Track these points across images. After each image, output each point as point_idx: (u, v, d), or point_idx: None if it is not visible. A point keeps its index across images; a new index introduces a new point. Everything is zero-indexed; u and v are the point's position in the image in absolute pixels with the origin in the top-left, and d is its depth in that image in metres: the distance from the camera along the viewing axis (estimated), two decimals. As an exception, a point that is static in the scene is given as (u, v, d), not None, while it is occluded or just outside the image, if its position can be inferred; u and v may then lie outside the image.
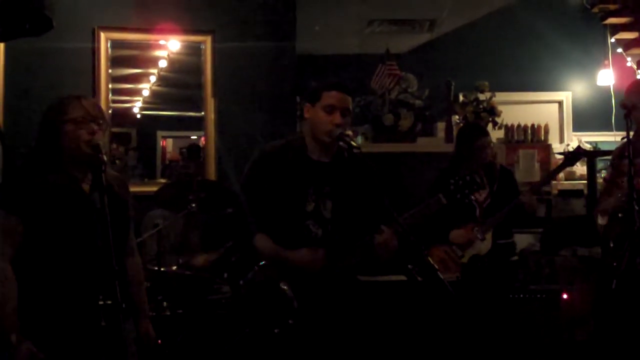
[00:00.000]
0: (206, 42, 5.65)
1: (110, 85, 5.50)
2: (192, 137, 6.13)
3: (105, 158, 2.72)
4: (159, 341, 4.03)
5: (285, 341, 3.05)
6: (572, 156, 4.62)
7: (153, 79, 5.86)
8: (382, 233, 3.09)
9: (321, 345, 3.12)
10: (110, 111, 5.45)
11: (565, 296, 4.69)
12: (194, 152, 6.09)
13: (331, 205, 3.22)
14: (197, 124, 5.74)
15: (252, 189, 3.26)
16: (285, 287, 3.08)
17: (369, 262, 3.27)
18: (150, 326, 3.06)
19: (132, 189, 3.14)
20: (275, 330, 3.05)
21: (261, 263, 3.23)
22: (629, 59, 7.73)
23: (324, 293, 3.14)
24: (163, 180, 5.78)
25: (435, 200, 3.14)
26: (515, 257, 4.72)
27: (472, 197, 4.54)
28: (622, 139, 4.22)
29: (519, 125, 7.69)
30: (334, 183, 3.23)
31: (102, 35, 5.44)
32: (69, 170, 2.80)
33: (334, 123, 3.14)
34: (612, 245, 4.07)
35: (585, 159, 6.18)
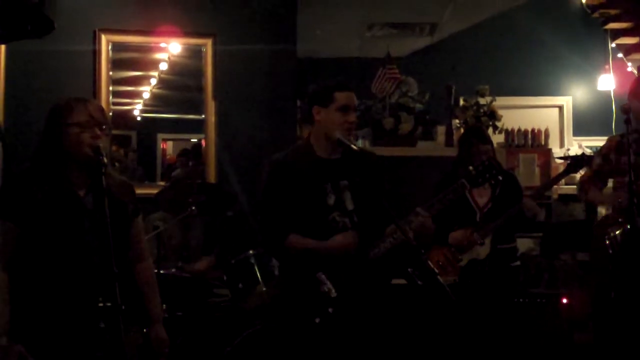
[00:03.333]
0: (207, 45, 5.65)
1: (110, 88, 5.51)
2: (192, 140, 6.14)
3: (105, 160, 2.72)
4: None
5: (322, 331, 3.14)
6: (575, 163, 4.58)
7: (154, 81, 5.86)
8: (418, 215, 3.19)
9: (341, 340, 3.17)
10: (110, 113, 5.45)
11: (564, 300, 4.70)
12: (189, 153, 6.10)
13: (351, 196, 3.31)
14: (198, 127, 5.74)
15: (273, 197, 3.31)
16: (322, 277, 3.17)
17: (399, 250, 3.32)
18: (162, 330, 3.03)
19: (132, 190, 3.13)
20: (317, 320, 3.12)
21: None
22: (629, 64, 7.73)
23: (356, 288, 3.22)
24: (163, 183, 5.78)
25: (460, 185, 3.29)
26: (517, 263, 4.69)
27: (473, 200, 4.55)
28: (622, 135, 4.19)
29: (519, 130, 7.69)
30: (348, 176, 3.31)
31: (103, 37, 5.45)
32: (68, 175, 2.79)
33: (350, 122, 3.27)
34: (610, 251, 4.03)
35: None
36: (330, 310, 3.13)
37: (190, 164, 5.96)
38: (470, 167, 3.31)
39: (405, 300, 4.52)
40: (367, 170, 3.32)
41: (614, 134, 7.55)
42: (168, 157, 6.46)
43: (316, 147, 3.35)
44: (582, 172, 4.57)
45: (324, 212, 3.27)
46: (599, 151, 4.38)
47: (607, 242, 4.01)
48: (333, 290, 3.14)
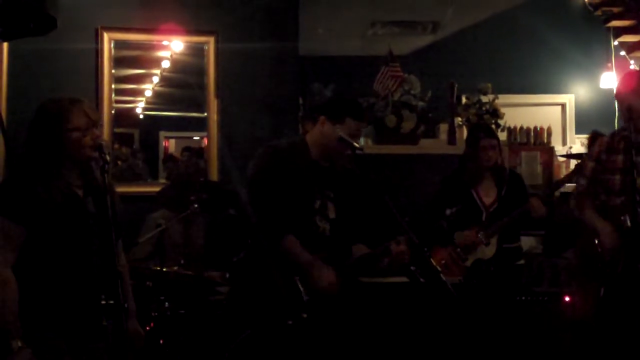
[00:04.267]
0: (209, 43, 5.64)
1: (113, 86, 5.50)
2: (195, 138, 6.14)
3: (108, 158, 2.72)
4: (161, 341, 4.07)
5: (293, 335, 3.11)
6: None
7: (156, 79, 5.86)
8: (400, 244, 3.22)
9: (325, 343, 3.16)
10: (113, 111, 5.45)
11: (567, 299, 4.69)
12: (199, 152, 6.09)
13: (334, 207, 3.35)
14: (200, 125, 5.74)
15: (270, 183, 3.31)
16: (298, 282, 3.18)
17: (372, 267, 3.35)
18: (137, 324, 3.05)
19: (136, 189, 3.15)
20: (289, 322, 3.13)
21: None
22: (632, 61, 7.73)
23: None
24: (164, 181, 5.79)
25: (438, 227, 3.53)
26: (522, 261, 4.68)
27: (479, 200, 4.54)
28: (611, 134, 4.18)
29: (521, 128, 7.69)
30: (335, 188, 3.36)
31: (105, 35, 5.45)
32: (65, 176, 2.80)
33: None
34: (600, 249, 4.00)
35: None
36: (304, 315, 3.13)
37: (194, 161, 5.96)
38: (447, 212, 3.38)
39: (407, 298, 4.51)
40: (361, 186, 3.38)
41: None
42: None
43: (312, 150, 3.37)
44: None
45: (310, 213, 3.31)
46: (590, 155, 4.27)
47: (596, 241, 4.00)
48: (304, 294, 3.15)
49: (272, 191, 3.28)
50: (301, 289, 3.15)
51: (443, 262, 4.45)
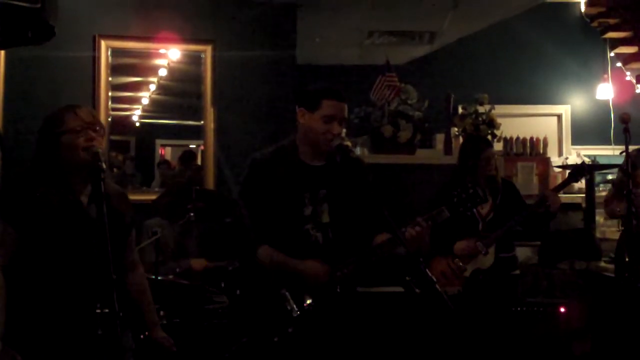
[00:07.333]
0: (206, 52, 5.66)
1: (110, 93, 5.51)
2: (191, 146, 6.14)
3: (104, 166, 2.71)
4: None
5: (284, 350, 3.04)
6: (576, 172, 4.55)
7: (153, 87, 5.86)
8: (416, 226, 3.06)
9: (319, 355, 3.10)
10: (109, 119, 5.46)
11: (562, 310, 4.68)
12: (187, 158, 6.08)
13: (328, 208, 3.18)
14: (197, 133, 5.75)
15: (249, 199, 3.21)
16: (286, 294, 3.05)
17: (369, 270, 3.24)
18: (162, 331, 3.10)
19: (130, 197, 3.14)
20: (275, 339, 3.02)
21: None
22: (628, 73, 7.75)
23: (325, 302, 3.10)
24: (158, 189, 5.78)
25: (439, 213, 3.13)
26: (517, 271, 4.68)
27: (475, 210, 4.52)
28: (620, 153, 4.23)
29: (517, 138, 7.70)
30: (328, 186, 3.19)
31: (103, 43, 5.46)
32: (69, 182, 2.80)
33: (333, 133, 3.11)
34: (627, 259, 4.07)
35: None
36: (289, 330, 3.00)
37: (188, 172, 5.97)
38: (454, 193, 3.17)
39: (402, 308, 4.51)
40: (354, 178, 3.16)
41: (612, 143, 7.62)
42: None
43: (300, 150, 3.23)
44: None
45: (299, 222, 3.14)
46: (621, 166, 4.49)
47: None
48: (295, 309, 3.01)
49: (249, 208, 3.17)
50: (290, 301, 3.02)
51: (444, 273, 4.44)
